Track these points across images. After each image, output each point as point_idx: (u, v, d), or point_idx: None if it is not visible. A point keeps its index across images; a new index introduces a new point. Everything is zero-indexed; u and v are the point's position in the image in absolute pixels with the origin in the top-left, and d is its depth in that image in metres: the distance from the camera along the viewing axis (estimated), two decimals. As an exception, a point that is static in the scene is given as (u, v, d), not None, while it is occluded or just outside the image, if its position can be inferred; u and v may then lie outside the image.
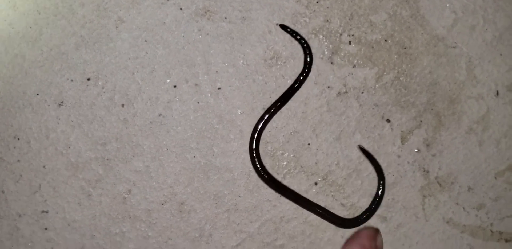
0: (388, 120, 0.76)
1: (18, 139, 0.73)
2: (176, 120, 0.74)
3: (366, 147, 0.76)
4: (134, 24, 0.73)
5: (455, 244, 0.79)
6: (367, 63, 0.75)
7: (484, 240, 0.79)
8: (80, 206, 0.74)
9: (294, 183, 0.76)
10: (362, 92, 0.76)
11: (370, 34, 0.75)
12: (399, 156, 0.77)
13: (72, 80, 0.73)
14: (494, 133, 0.78)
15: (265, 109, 0.74)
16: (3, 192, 0.74)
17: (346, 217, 0.76)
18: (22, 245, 0.75)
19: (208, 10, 0.73)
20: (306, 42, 0.73)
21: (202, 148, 0.75)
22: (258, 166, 0.73)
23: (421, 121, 0.77)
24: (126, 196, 0.74)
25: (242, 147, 0.75)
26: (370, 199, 0.76)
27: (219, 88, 0.74)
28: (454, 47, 0.77)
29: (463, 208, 0.79)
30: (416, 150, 0.77)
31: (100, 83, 0.73)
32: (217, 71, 0.74)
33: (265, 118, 0.73)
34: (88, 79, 0.73)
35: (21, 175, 0.74)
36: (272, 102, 0.74)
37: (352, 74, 0.75)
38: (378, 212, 0.76)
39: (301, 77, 0.73)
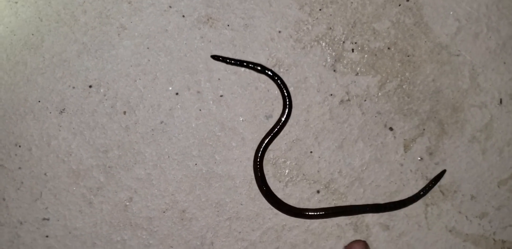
0: (391, 129, 0.76)
1: (19, 146, 0.73)
2: (178, 128, 0.74)
3: (368, 155, 0.76)
4: (136, 32, 0.72)
5: (457, 252, 0.79)
6: (370, 71, 0.75)
7: None
8: (81, 213, 0.74)
9: (296, 191, 0.75)
10: (365, 100, 0.75)
11: (373, 42, 0.75)
12: (401, 164, 0.77)
13: (74, 88, 0.73)
14: (497, 141, 0.78)
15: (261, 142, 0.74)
16: (4, 199, 0.74)
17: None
18: (23, 253, 0.75)
19: (211, 18, 0.73)
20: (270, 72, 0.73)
21: (204, 156, 0.74)
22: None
23: (424, 129, 0.77)
24: (127, 203, 0.74)
25: (244, 154, 0.74)
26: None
27: (221, 96, 0.74)
28: (457, 55, 0.76)
29: (466, 216, 0.78)
30: (419, 158, 0.77)
31: (102, 90, 0.73)
32: (219, 79, 0.74)
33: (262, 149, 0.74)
34: (90, 86, 0.73)
35: (22, 182, 0.74)
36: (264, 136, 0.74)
37: (355, 82, 0.75)
38: (381, 220, 0.76)
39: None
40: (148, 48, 0.73)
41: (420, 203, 0.77)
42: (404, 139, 0.76)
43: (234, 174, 0.75)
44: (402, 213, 0.77)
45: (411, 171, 0.77)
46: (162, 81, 0.73)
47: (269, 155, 0.75)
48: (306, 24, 0.74)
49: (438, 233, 0.78)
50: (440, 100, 0.77)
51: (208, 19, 0.73)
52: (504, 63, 0.77)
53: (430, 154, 0.77)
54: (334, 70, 0.75)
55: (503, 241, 0.79)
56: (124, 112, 0.73)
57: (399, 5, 0.75)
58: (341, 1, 0.74)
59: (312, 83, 0.75)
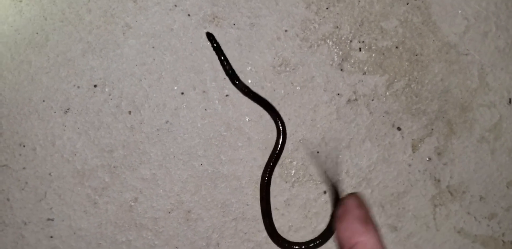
0: (399, 128, 0.75)
1: (24, 146, 0.73)
2: (183, 128, 0.73)
3: (376, 155, 0.75)
4: (142, 30, 0.72)
5: (466, 254, 0.78)
6: (377, 70, 0.74)
7: (495, 250, 0.78)
8: (86, 214, 0.73)
9: (302, 191, 0.74)
10: (373, 100, 0.75)
11: (380, 41, 0.74)
12: (410, 165, 0.76)
13: (78, 87, 0.72)
14: (506, 141, 0.77)
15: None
16: (8, 199, 0.73)
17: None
18: (27, 253, 0.74)
19: (216, 16, 0.72)
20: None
21: (210, 156, 0.74)
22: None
23: (432, 129, 0.76)
24: (132, 204, 0.73)
25: (250, 154, 0.74)
26: (380, 209, 0.75)
27: (226, 95, 0.73)
28: (466, 54, 0.75)
29: (475, 217, 0.77)
30: (427, 159, 0.76)
31: (107, 90, 0.72)
32: (225, 78, 0.73)
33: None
34: (95, 86, 0.72)
35: (26, 183, 0.73)
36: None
37: (362, 81, 0.74)
38: (389, 221, 0.75)
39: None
40: (153, 47, 0.72)
41: (428, 203, 0.76)
42: (412, 139, 0.76)
43: (240, 174, 0.74)
44: (410, 214, 0.76)
45: (419, 171, 0.76)
46: (168, 81, 0.72)
47: (275, 155, 0.74)
48: (313, 23, 0.73)
49: (446, 234, 0.77)
50: (448, 99, 0.76)
51: (214, 18, 0.72)
52: (514, 62, 0.76)
53: (439, 154, 0.76)
54: (341, 70, 0.74)
55: (512, 243, 0.79)
56: (129, 112, 0.73)
57: (407, 3, 0.74)
58: (348, 0, 0.73)
59: (319, 83, 0.74)
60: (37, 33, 0.72)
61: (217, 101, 0.73)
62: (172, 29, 0.72)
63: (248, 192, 0.74)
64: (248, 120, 0.73)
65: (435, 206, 0.76)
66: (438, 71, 0.75)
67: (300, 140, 0.74)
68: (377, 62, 0.74)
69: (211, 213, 0.74)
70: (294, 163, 0.74)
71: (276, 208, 0.74)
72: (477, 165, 0.77)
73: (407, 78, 0.75)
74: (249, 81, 0.73)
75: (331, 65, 0.74)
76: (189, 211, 0.74)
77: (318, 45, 0.73)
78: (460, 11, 0.75)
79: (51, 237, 0.74)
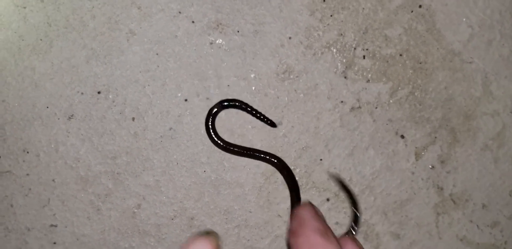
0: (402, 136, 0.75)
1: (28, 152, 0.73)
2: (187, 134, 0.73)
3: (379, 163, 0.75)
4: (146, 37, 0.72)
5: (468, 261, 0.78)
6: (381, 78, 0.74)
7: (497, 258, 0.78)
8: (89, 220, 0.74)
9: (305, 198, 0.74)
10: (376, 108, 0.75)
11: (384, 49, 0.74)
12: (413, 173, 0.76)
13: (82, 93, 0.72)
14: (509, 149, 0.77)
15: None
16: (12, 205, 0.73)
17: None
18: (30, 259, 0.74)
19: (221, 23, 0.72)
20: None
21: (213, 163, 0.74)
22: None
23: (435, 137, 0.76)
24: (135, 210, 0.74)
25: (253, 161, 0.74)
26: (383, 216, 0.75)
27: (230, 102, 0.73)
28: (470, 63, 0.75)
29: (477, 225, 0.77)
30: (430, 167, 0.76)
31: (110, 96, 0.72)
32: (228, 85, 0.73)
33: None
34: (99, 92, 0.72)
35: (30, 189, 0.73)
36: None
37: (366, 89, 0.74)
38: (391, 229, 0.75)
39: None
40: (157, 54, 0.72)
41: (431, 211, 0.76)
42: (416, 147, 0.76)
43: (243, 181, 0.74)
44: (413, 221, 0.76)
45: (422, 179, 0.76)
46: (171, 88, 0.73)
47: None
48: (317, 30, 0.73)
49: (449, 242, 0.77)
50: (452, 108, 0.76)
51: (218, 25, 0.72)
52: (518, 70, 0.76)
53: (442, 162, 0.76)
54: (345, 77, 0.74)
55: (515, 251, 0.79)
56: (133, 119, 0.73)
57: (412, 11, 0.74)
58: (352, 7, 0.73)
59: (323, 90, 0.74)
60: (41, 40, 0.72)
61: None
62: (176, 36, 0.72)
63: (251, 199, 0.74)
64: (252, 127, 0.74)
65: (438, 214, 0.76)
66: (442, 79, 0.75)
67: (303, 147, 0.74)
68: (381, 70, 0.74)
69: (214, 220, 0.74)
70: (297, 170, 0.74)
71: (278, 215, 0.74)
72: (480, 173, 0.77)
73: (411, 86, 0.75)
74: (253, 88, 0.73)
75: (335, 72, 0.74)
76: (192, 218, 0.74)
77: (322, 53, 0.73)
78: (464, 19, 0.75)
79: (54, 243, 0.74)
